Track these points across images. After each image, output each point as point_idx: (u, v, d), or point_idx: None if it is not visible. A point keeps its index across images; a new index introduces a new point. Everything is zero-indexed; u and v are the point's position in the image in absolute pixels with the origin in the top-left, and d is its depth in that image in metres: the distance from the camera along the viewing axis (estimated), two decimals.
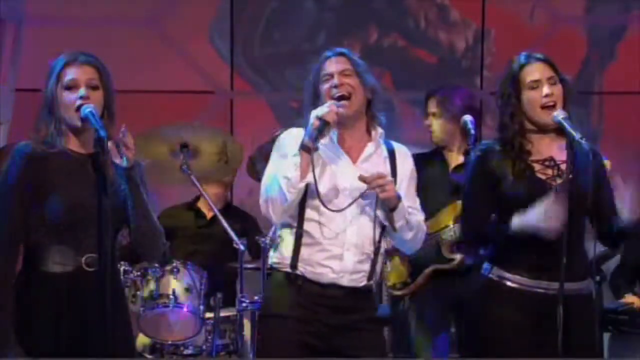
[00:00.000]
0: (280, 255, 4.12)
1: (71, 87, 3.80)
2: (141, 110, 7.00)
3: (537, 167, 4.13)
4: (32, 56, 6.85)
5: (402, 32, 7.91)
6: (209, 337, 5.76)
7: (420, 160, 5.62)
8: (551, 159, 4.12)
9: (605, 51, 7.93)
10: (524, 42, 7.33)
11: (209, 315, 5.72)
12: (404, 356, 6.65)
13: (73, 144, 3.84)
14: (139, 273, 5.66)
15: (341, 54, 4.18)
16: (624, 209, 4.03)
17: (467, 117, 5.35)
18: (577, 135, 3.98)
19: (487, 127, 6.65)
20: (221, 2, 7.80)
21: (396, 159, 4.21)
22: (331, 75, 4.12)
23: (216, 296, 5.67)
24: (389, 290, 5.79)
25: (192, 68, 7.71)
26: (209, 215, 6.46)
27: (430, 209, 5.42)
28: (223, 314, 5.74)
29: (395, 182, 4.11)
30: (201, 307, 5.65)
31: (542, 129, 4.15)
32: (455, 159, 5.52)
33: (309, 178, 3.97)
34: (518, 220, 4.02)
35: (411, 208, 4.16)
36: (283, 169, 4.01)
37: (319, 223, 4.06)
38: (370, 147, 4.16)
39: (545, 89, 4.11)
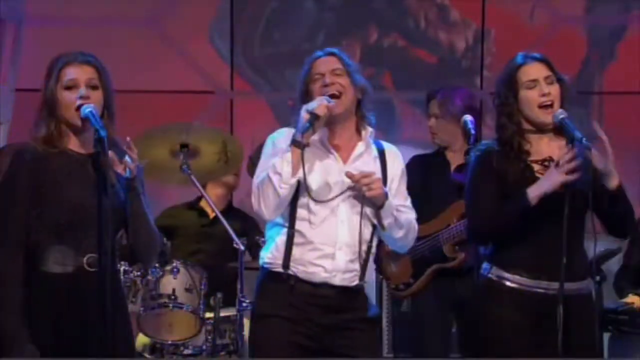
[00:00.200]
0: (271, 255, 4.14)
1: (71, 87, 3.80)
2: (141, 110, 7.01)
3: (536, 167, 4.12)
4: (32, 56, 6.84)
5: (402, 32, 7.90)
6: (209, 337, 5.76)
7: (422, 161, 5.67)
8: (550, 159, 4.12)
9: (605, 51, 7.92)
10: (524, 42, 7.33)
11: (209, 315, 5.72)
12: (404, 356, 6.66)
13: (73, 144, 3.84)
14: (139, 273, 5.66)
15: (331, 54, 4.22)
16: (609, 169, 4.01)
17: (467, 117, 5.36)
18: (577, 135, 3.97)
19: (487, 127, 6.65)
20: (221, 2, 7.80)
21: (386, 159, 4.24)
22: (322, 75, 4.15)
23: (216, 296, 5.67)
24: (392, 291, 5.81)
25: (192, 68, 7.71)
26: (212, 214, 6.46)
27: (432, 209, 5.45)
28: (223, 314, 5.73)
29: (385, 181, 4.15)
30: (201, 307, 5.65)
31: (541, 129, 4.14)
32: (457, 159, 5.53)
33: (301, 173, 3.99)
34: (535, 186, 4.01)
35: (401, 206, 4.19)
36: (274, 165, 4.02)
37: (310, 222, 4.08)
38: (360, 147, 4.19)
39: (543, 88, 4.10)
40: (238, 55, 7.82)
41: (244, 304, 5.30)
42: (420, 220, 5.32)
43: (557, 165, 3.99)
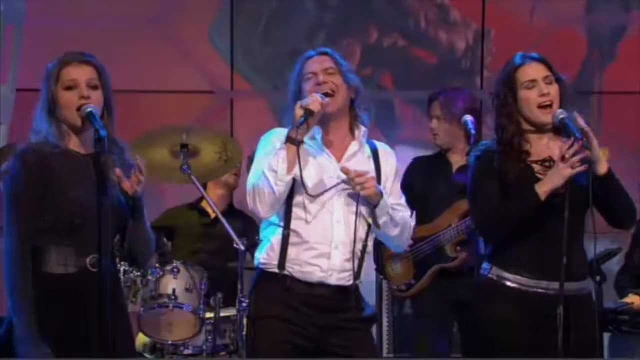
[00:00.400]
0: (266, 256, 4.14)
1: (71, 87, 3.80)
2: (141, 110, 7.01)
3: (536, 167, 4.12)
4: (32, 56, 6.85)
5: (402, 32, 7.90)
6: (209, 337, 5.76)
7: (424, 163, 5.68)
8: (550, 159, 4.12)
9: (605, 51, 7.92)
10: (524, 42, 7.32)
11: (209, 315, 5.71)
12: (404, 356, 6.66)
13: (73, 144, 3.84)
14: (139, 273, 5.66)
15: (324, 53, 4.24)
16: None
17: (467, 117, 5.37)
18: (578, 135, 3.97)
19: (487, 127, 6.64)
20: (221, 2, 7.80)
21: (380, 158, 4.24)
22: (314, 74, 4.17)
23: (216, 296, 5.67)
24: (394, 292, 5.81)
25: (192, 68, 7.71)
26: (213, 214, 6.46)
27: (434, 211, 5.45)
28: (223, 314, 5.73)
29: (379, 180, 4.15)
30: (201, 307, 5.65)
31: (540, 129, 4.14)
32: (459, 160, 5.53)
33: (296, 170, 3.99)
34: (544, 182, 4.01)
35: (396, 205, 4.19)
36: (269, 163, 4.02)
37: (306, 221, 4.08)
38: (353, 146, 4.20)
39: (542, 89, 4.10)
40: (238, 55, 7.81)
41: (244, 304, 5.30)
42: (422, 221, 5.34)
43: (562, 159, 3.99)
